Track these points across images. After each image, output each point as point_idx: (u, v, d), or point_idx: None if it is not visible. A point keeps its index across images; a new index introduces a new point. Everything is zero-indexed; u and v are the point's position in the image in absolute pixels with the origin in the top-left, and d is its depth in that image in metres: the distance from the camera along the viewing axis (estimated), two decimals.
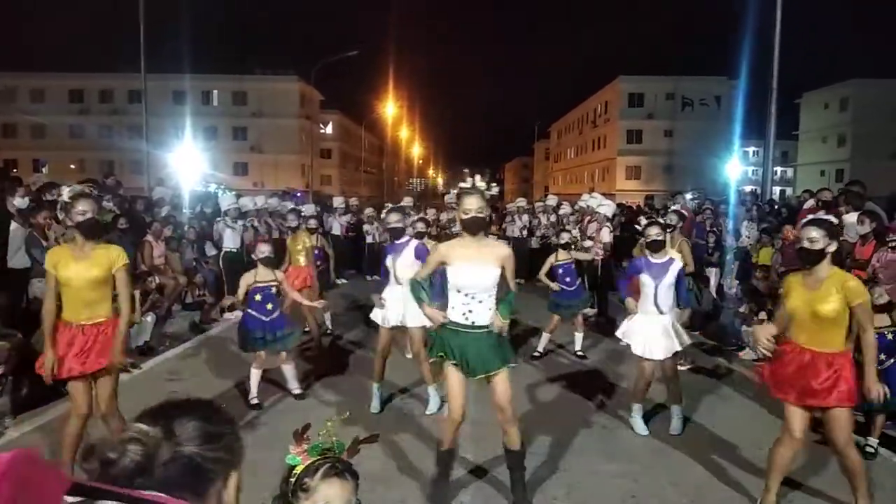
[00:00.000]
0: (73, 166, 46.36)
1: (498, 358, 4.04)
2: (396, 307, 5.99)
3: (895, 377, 5.04)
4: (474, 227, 4.01)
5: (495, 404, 4.12)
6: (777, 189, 42.24)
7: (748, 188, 24.05)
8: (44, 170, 44.37)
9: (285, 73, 52.29)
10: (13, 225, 7.62)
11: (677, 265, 5.51)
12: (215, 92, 52.29)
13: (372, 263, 15.92)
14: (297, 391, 6.39)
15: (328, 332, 9.46)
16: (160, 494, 1.10)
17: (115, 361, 4.23)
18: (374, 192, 64.28)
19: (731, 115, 44.85)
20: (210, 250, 11.44)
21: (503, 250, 4.17)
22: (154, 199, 13.14)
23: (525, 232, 15.64)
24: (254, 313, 6.23)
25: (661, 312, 5.45)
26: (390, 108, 58.57)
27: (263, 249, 6.35)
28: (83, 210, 4.10)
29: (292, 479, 1.81)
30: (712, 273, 11.01)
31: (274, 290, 6.30)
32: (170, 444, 1.18)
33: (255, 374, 6.22)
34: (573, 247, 8.62)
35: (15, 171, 38.13)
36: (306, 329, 8.67)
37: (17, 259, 7.64)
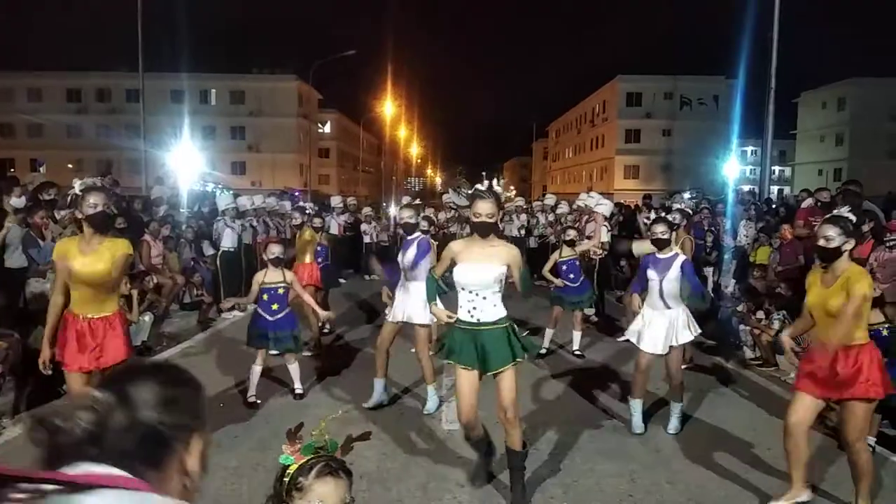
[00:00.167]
0: (70, 165, 46.26)
1: (506, 354, 4.07)
2: (402, 303, 6.02)
3: (892, 374, 5.04)
4: (483, 231, 4.11)
5: (499, 403, 4.13)
6: (775, 188, 42.25)
7: (746, 187, 24.09)
8: (41, 169, 44.31)
9: (283, 72, 52.28)
10: (10, 224, 7.61)
11: (680, 259, 5.54)
12: (213, 91, 52.25)
13: (370, 263, 15.92)
14: (298, 391, 6.39)
15: (328, 331, 9.46)
16: (94, 472, 1.01)
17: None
18: (372, 191, 64.27)
19: (729, 115, 44.81)
20: (208, 250, 11.43)
21: (510, 250, 4.22)
22: (152, 198, 13.14)
23: (523, 231, 15.65)
24: (261, 312, 6.29)
25: (668, 307, 5.47)
26: (388, 108, 58.46)
27: (274, 250, 6.36)
28: (94, 203, 4.12)
29: (286, 479, 1.81)
30: (709, 272, 11.03)
31: (281, 290, 6.29)
32: (125, 411, 1.09)
33: (255, 372, 6.25)
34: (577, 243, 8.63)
35: (12, 170, 38.16)
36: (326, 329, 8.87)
37: (14, 259, 7.63)
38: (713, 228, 11.50)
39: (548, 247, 13.54)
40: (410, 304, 5.96)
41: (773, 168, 24.65)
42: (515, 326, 4.20)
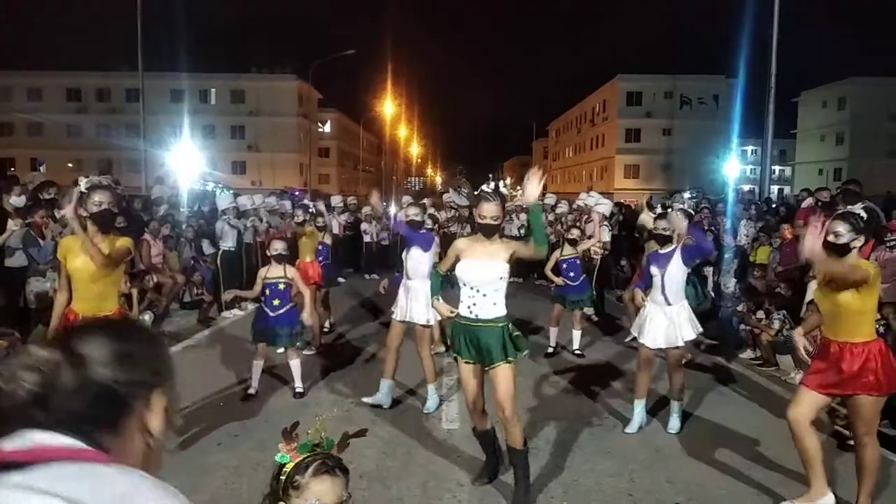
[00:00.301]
0: (70, 165, 46.28)
1: (498, 352, 4.10)
2: (405, 302, 6.03)
3: None
4: (488, 232, 4.18)
5: (495, 400, 4.15)
6: (775, 188, 42.26)
7: (746, 187, 24.09)
8: (41, 169, 44.29)
9: (283, 71, 52.28)
10: (11, 224, 7.61)
11: (679, 250, 5.56)
12: (213, 90, 52.23)
13: (370, 262, 15.93)
14: (298, 389, 6.40)
15: (328, 329, 9.47)
16: (33, 444, 0.93)
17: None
18: (372, 190, 64.18)
19: (729, 114, 44.76)
20: (208, 249, 11.43)
21: (510, 243, 4.29)
22: (153, 197, 13.13)
23: (523, 231, 15.63)
24: (263, 307, 6.39)
25: (669, 303, 5.48)
26: (388, 107, 58.49)
27: (277, 247, 6.47)
28: (99, 201, 4.16)
29: (283, 477, 1.81)
30: (709, 272, 11.02)
31: (282, 286, 6.35)
32: (74, 370, 1.00)
33: (256, 366, 6.36)
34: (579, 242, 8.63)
35: (12, 169, 38.16)
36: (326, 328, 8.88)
37: (15, 258, 7.63)
38: (713, 228, 11.49)
39: (548, 246, 13.52)
40: (412, 303, 5.98)
41: (773, 167, 24.66)
42: (511, 327, 4.21)
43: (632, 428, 5.60)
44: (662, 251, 5.65)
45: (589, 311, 10.64)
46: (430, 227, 7.97)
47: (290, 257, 7.00)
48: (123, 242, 4.29)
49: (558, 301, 8.28)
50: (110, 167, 35.60)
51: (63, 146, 49.07)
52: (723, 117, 47.61)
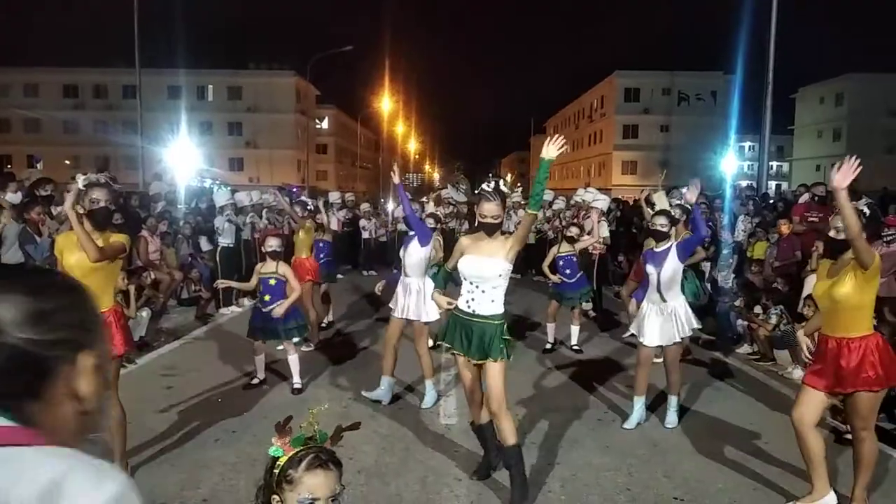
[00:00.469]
0: (67, 162, 46.18)
1: (486, 349, 4.13)
2: (404, 299, 6.02)
3: None
4: (488, 231, 4.21)
5: (486, 394, 4.19)
6: (773, 183, 42.33)
7: (744, 183, 24.08)
8: (38, 165, 44.26)
9: (281, 68, 52.17)
10: (6, 219, 7.59)
11: (674, 246, 5.56)
12: (210, 87, 52.12)
13: (368, 259, 15.94)
14: (296, 385, 6.41)
15: (325, 325, 9.48)
16: None
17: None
18: (370, 187, 64.21)
19: (726, 110, 44.84)
20: (205, 245, 11.42)
21: (509, 239, 4.29)
22: (151, 194, 13.11)
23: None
24: (257, 303, 6.51)
25: (665, 300, 5.48)
26: (386, 103, 58.41)
27: (272, 243, 6.58)
28: (96, 198, 4.15)
29: (276, 471, 1.82)
30: (707, 267, 11.01)
31: (273, 281, 6.41)
32: None
33: (256, 360, 6.54)
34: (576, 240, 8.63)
35: (9, 166, 38.10)
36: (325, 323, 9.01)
37: (11, 254, 7.61)
38: (710, 223, 11.48)
39: (546, 242, 13.54)
40: (410, 300, 5.99)
41: (770, 163, 24.71)
42: (506, 329, 4.22)
43: (630, 424, 5.61)
44: (658, 249, 5.64)
45: (587, 306, 10.66)
46: (432, 226, 7.95)
47: (284, 254, 7.02)
48: (119, 238, 4.29)
49: (555, 298, 8.29)
50: (107, 164, 35.53)
51: (60, 143, 48.95)
52: (720, 113, 47.67)
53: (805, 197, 10.41)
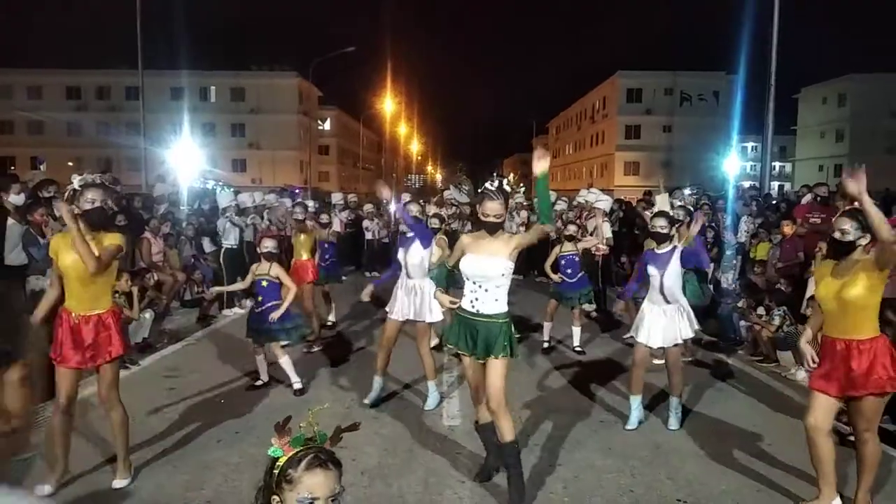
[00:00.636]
0: (70, 163, 46.20)
1: (497, 347, 4.12)
2: (403, 301, 6.00)
3: None
4: (490, 230, 4.20)
5: (486, 392, 4.18)
6: (775, 184, 42.31)
7: (746, 183, 24.07)
8: (41, 167, 44.35)
9: (283, 69, 52.24)
10: (10, 222, 7.60)
11: (679, 251, 5.54)
12: (213, 88, 52.20)
13: (371, 260, 15.93)
14: (296, 385, 6.42)
15: (330, 324, 9.50)
16: None
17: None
18: (372, 188, 64.21)
19: (729, 111, 44.74)
20: (208, 247, 11.44)
21: (514, 237, 4.29)
22: (155, 195, 13.13)
23: (523, 228, 15.64)
24: (252, 304, 6.56)
25: (668, 302, 5.48)
26: (388, 105, 58.47)
27: (267, 244, 6.59)
28: (91, 198, 4.15)
29: (276, 471, 1.82)
30: (710, 268, 11.01)
31: (265, 283, 6.45)
32: None
33: (258, 361, 6.57)
34: (576, 239, 8.64)
35: (12, 168, 38.16)
36: (327, 323, 9.09)
37: (14, 256, 7.63)
38: (713, 224, 11.48)
39: (548, 242, 13.52)
40: (414, 301, 5.97)
41: (773, 164, 24.67)
42: (512, 326, 4.22)
43: (631, 424, 5.61)
44: (660, 250, 5.61)
45: (589, 307, 10.66)
46: (436, 226, 8.02)
47: (280, 255, 7.07)
48: (113, 240, 4.25)
49: (555, 297, 8.29)
50: (110, 165, 35.59)
51: (63, 144, 49.07)
52: (723, 114, 47.59)
53: (807, 198, 10.40)
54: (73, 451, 4.58)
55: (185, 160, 25.60)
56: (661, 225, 5.63)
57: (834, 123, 48.80)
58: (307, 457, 1.81)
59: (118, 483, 4.36)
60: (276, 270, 6.53)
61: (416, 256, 5.99)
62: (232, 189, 14.92)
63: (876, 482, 4.12)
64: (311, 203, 13.81)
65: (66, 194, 4.27)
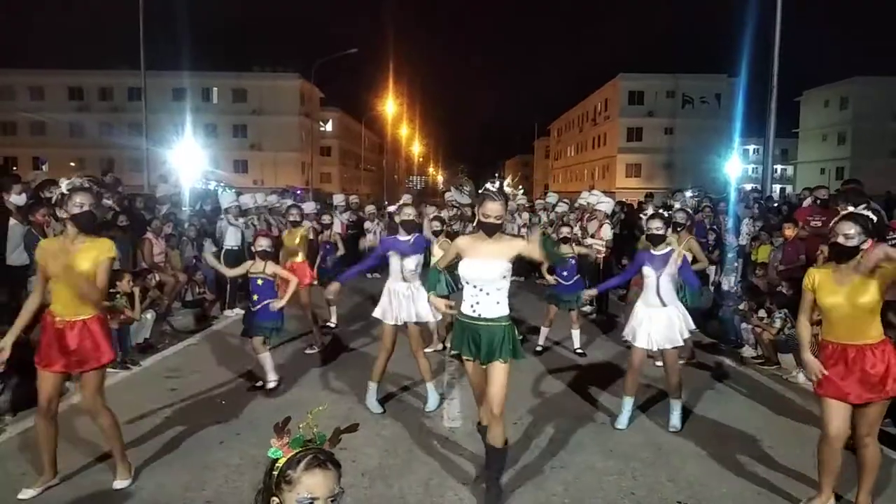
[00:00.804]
0: (72, 164, 46.33)
1: (501, 351, 4.09)
2: (398, 304, 5.98)
3: None
4: (490, 231, 4.17)
5: (487, 395, 4.15)
6: (777, 187, 42.28)
7: (748, 186, 24.09)
8: (44, 167, 44.42)
9: (285, 70, 52.30)
10: (12, 222, 7.62)
11: (676, 255, 5.52)
12: (215, 89, 52.26)
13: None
14: (270, 385, 6.46)
15: (332, 326, 9.50)
16: None
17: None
18: (374, 189, 64.31)
19: (731, 113, 44.76)
20: (210, 248, 11.44)
21: (514, 242, 4.26)
22: (158, 196, 13.14)
23: (525, 229, 15.64)
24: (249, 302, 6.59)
25: (664, 304, 5.47)
26: (390, 106, 58.53)
27: (262, 243, 6.62)
28: (80, 202, 4.10)
29: (275, 472, 1.83)
30: (711, 271, 11.01)
31: (260, 281, 6.47)
32: None
33: (261, 360, 6.51)
34: (573, 241, 8.65)
35: (15, 168, 38.18)
36: (328, 324, 9.21)
37: (16, 256, 7.65)
38: (715, 227, 11.49)
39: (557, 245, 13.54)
40: (405, 304, 5.92)
41: (775, 167, 24.68)
42: (514, 329, 4.21)
43: (621, 423, 5.62)
44: (657, 252, 5.59)
45: (587, 309, 10.68)
46: (438, 229, 8.01)
47: (276, 254, 7.12)
48: (106, 252, 4.17)
49: (552, 301, 8.28)
50: (112, 166, 35.64)
51: (65, 145, 49.17)
52: (725, 116, 47.60)
53: (808, 201, 10.39)
54: (73, 450, 4.59)
55: (187, 161, 25.69)
56: (656, 226, 5.61)
57: (836, 126, 48.76)
58: (306, 457, 1.81)
59: (119, 484, 4.35)
60: (271, 268, 6.56)
61: (412, 262, 5.95)
62: (234, 190, 14.92)
63: (876, 485, 4.12)
64: (312, 204, 13.88)
65: (54, 198, 4.23)
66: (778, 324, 7.80)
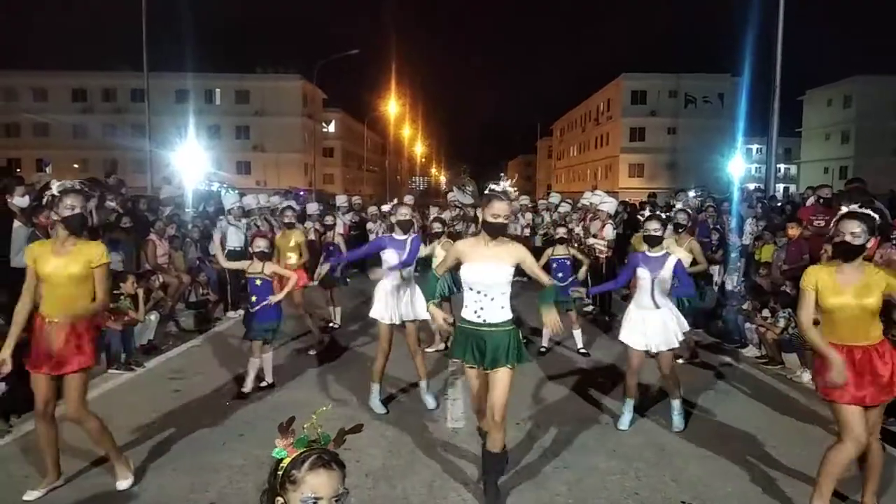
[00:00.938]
0: (76, 165, 46.45)
1: (503, 357, 4.06)
2: (395, 302, 5.97)
3: None
4: (498, 232, 4.11)
5: (489, 401, 4.11)
6: (780, 186, 42.17)
7: (751, 185, 24.06)
8: (47, 169, 44.39)
9: (288, 71, 52.38)
10: (16, 224, 7.63)
11: (674, 259, 5.50)
12: (218, 91, 52.40)
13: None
14: (267, 381, 6.57)
15: (335, 327, 9.51)
16: None
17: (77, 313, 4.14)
18: (377, 190, 64.32)
19: (733, 113, 44.75)
20: (213, 249, 11.45)
21: (518, 249, 4.19)
22: (162, 198, 13.16)
23: (528, 230, 15.64)
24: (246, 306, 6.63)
25: (658, 307, 5.45)
26: (392, 107, 58.57)
27: (260, 244, 6.63)
28: (71, 204, 4.08)
29: (280, 472, 1.83)
30: (715, 271, 11.00)
31: (258, 282, 6.48)
32: None
33: (263, 361, 6.58)
34: (570, 242, 8.67)
35: (18, 170, 38.23)
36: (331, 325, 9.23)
37: (20, 258, 7.64)
38: (718, 227, 11.46)
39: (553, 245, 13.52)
40: (400, 302, 5.94)
41: (778, 166, 24.61)
42: (519, 333, 4.19)
43: (623, 424, 5.62)
44: (653, 254, 5.55)
45: (590, 307, 10.68)
46: (439, 230, 8.01)
47: (273, 254, 7.15)
48: (99, 258, 4.15)
49: None
50: (116, 167, 35.71)
51: (69, 146, 49.27)
52: (728, 116, 47.58)
53: (811, 200, 10.37)
54: (77, 451, 4.60)
55: (190, 162, 25.69)
56: (654, 228, 5.58)
57: (839, 125, 48.67)
58: (310, 457, 1.82)
59: (122, 484, 4.34)
60: (270, 268, 6.57)
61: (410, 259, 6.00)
62: (237, 191, 14.93)
63: (881, 484, 4.12)
64: (315, 205, 13.90)
65: (45, 200, 4.22)
66: (782, 323, 7.79)
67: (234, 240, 10.92)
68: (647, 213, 6.29)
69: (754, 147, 56.06)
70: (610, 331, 9.67)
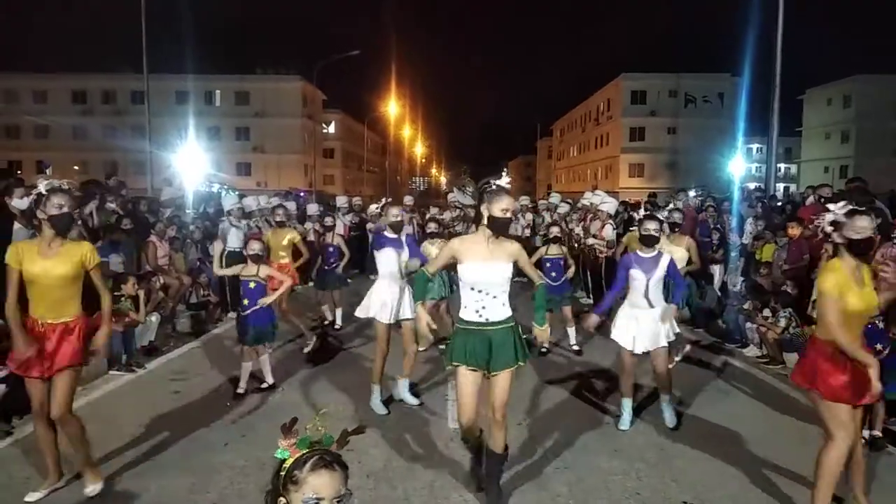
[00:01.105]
0: (76, 167, 46.48)
1: (510, 356, 4.05)
2: (394, 301, 5.99)
3: (893, 366, 5.04)
4: (504, 227, 4.06)
5: (490, 402, 4.09)
6: (781, 185, 42.17)
7: (752, 185, 24.05)
8: (47, 171, 44.47)
9: (288, 73, 52.41)
10: (16, 226, 7.63)
11: (667, 259, 5.50)
12: (218, 92, 52.41)
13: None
14: (267, 383, 6.56)
15: (338, 328, 9.51)
16: None
17: (97, 348, 4.19)
18: (377, 191, 64.34)
19: (733, 112, 44.80)
20: (219, 245, 11.43)
21: (513, 246, 4.17)
22: (163, 199, 13.14)
23: (528, 230, 15.64)
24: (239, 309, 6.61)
25: (651, 306, 5.45)
26: (392, 107, 58.61)
27: (254, 247, 6.59)
28: (59, 204, 4.03)
29: (282, 473, 1.84)
30: (716, 270, 11.00)
31: (252, 285, 6.46)
32: None
33: (261, 362, 6.59)
34: (563, 241, 8.69)
35: (19, 172, 38.28)
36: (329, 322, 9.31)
37: None
38: (719, 226, 11.46)
39: (547, 244, 13.53)
40: (400, 302, 5.97)
41: (778, 165, 24.59)
42: (519, 328, 4.19)
43: (624, 425, 5.62)
44: (646, 254, 5.54)
45: (587, 301, 10.68)
46: (435, 231, 8.03)
47: (267, 257, 7.16)
48: (94, 259, 4.15)
49: None
50: (116, 169, 35.75)
51: (69, 148, 49.31)
52: (728, 115, 47.60)
53: (811, 199, 10.37)
54: (77, 452, 4.59)
55: (190, 164, 25.73)
56: (653, 228, 5.57)
57: (839, 125, 48.67)
58: (312, 458, 1.82)
59: (91, 490, 4.23)
60: (265, 271, 6.56)
61: (404, 259, 6.01)
62: (237, 192, 14.94)
63: (878, 482, 4.13)
64: (315, 206, 13.91)
65: (32, 198, 4.19)
66: (783, 323, 7.79)
67: (235, 240, 10.92)
68: (642, 212, 6.28)
69: (754, 146, 56.09)
70: (608, 331, 9.65)
